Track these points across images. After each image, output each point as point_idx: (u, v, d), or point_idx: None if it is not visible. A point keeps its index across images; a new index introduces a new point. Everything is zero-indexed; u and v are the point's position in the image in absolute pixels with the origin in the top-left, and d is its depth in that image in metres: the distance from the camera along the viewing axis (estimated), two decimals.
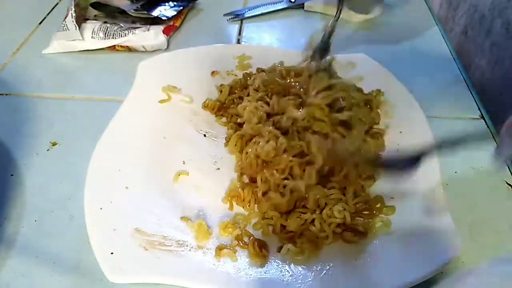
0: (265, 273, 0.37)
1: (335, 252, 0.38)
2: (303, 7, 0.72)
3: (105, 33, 0.61)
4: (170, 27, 0.65)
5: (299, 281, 0.36)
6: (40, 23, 0.69)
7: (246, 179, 0.44)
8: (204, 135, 0.49)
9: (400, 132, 0.48)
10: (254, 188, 0.42)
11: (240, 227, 0.40)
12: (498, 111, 0.57)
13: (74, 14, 0.60)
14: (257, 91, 0.49)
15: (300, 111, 0.44)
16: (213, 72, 0.56)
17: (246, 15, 0.70)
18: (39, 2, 0.74)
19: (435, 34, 0.66)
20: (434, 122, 0.48)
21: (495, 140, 0.49)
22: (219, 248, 0.38)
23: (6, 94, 0.56)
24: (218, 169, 0.45)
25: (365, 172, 0.43)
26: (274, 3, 0.72)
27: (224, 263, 0.37)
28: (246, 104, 0.47)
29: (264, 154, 0.42)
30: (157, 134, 0.48)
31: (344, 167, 0.42)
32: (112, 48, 0.62)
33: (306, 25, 0.69)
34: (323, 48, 0.49)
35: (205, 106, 0.51)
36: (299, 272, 0.37)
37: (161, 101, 0.51)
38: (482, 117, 0.52)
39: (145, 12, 0.65)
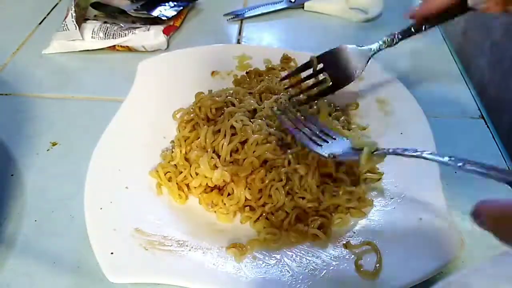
0: (265, 273, 0.37)
1: (335, 252, 0.38)
2: (303, 7, 0.72)
3: (105, 33, 0.61)
4: (170, 27, 0.65)
5: (299, 281, 0.36)
6: (40, 23, 0.69)
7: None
8: None
9: (401, 133, 0.48)
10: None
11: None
12: (498, 111, 0.57)
13: (74, 14, 0.60)
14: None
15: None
16: (213, 72, 0.56)
17: (246, 15, 0.70)
18: (39, 2, 0.74)
19: (435, 34, 0.66)
20: (434, 122, 0.48)
21: (495, 141, 0.49)
22: (232, 246, 0.38)
23: (6, 94, 0.56)
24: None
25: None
26: (274, 3, 0.72)
27: (224, 263, 0.37)
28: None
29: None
30: (157, 134, 0.48)
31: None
32: (112, 48, 0.62)
33: (306, 25, 0.69)
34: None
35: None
36: (299, 272, 0.37)
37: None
38: (482, 117, 0.52)
39: (145, 12, 0.65)
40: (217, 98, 0.47)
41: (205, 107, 0.47)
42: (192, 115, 0.47)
